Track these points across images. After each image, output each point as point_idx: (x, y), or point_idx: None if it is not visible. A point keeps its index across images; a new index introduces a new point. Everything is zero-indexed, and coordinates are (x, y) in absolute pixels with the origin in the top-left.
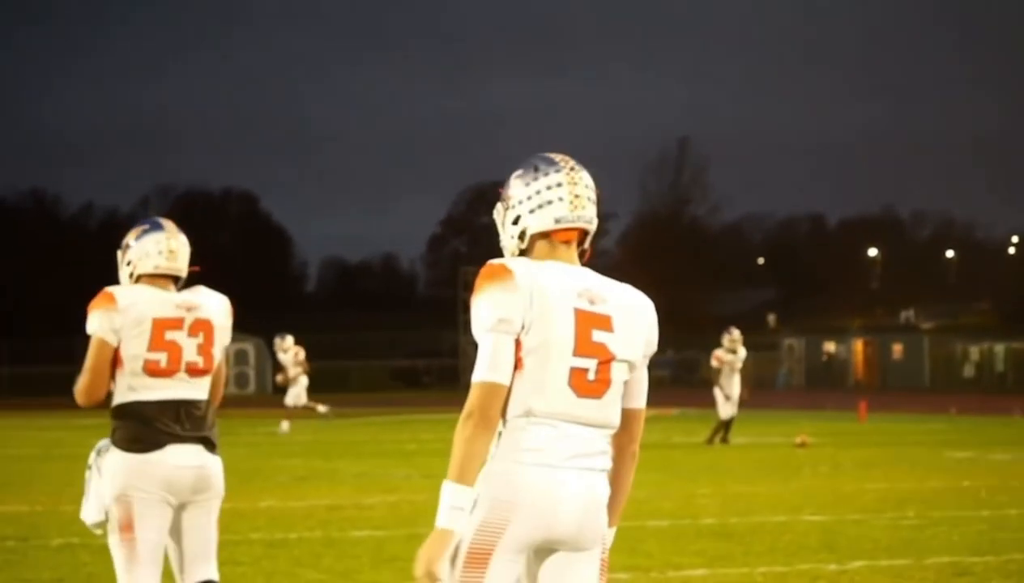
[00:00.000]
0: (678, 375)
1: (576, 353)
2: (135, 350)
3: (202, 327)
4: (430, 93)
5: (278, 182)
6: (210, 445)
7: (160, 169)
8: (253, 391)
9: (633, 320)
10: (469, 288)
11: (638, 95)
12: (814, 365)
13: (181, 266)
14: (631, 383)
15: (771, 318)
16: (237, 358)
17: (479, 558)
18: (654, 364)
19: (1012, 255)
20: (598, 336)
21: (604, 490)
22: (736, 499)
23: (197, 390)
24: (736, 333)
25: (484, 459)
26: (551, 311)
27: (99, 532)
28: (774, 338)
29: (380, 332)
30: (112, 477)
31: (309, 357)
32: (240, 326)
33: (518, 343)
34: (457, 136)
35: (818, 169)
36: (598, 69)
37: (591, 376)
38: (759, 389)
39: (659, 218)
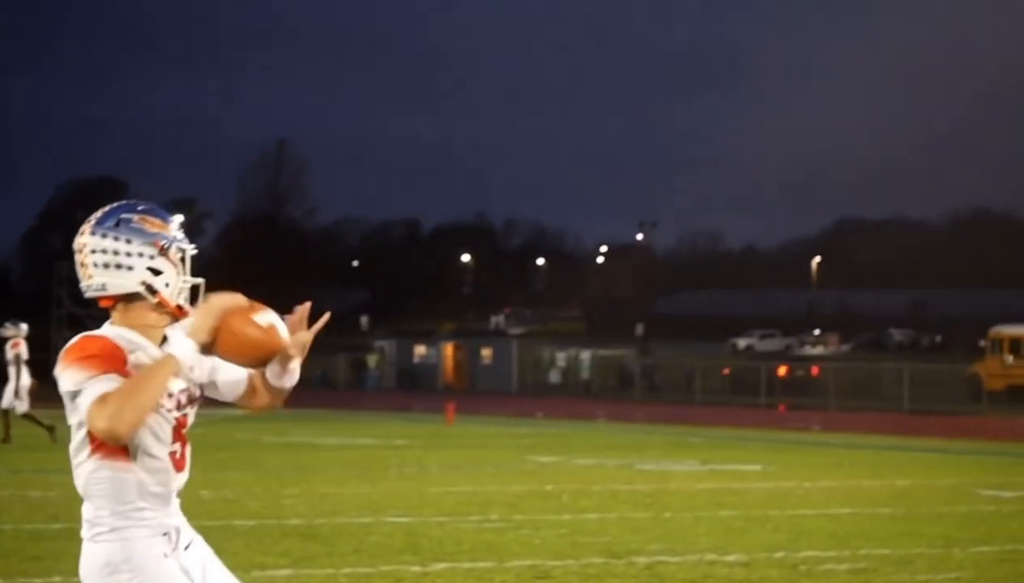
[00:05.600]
0: None
1: None
2: None
3: None
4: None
5: None
6: None
7: None
8: None
9: None
10: (63, 282)
11: (240, 97)
12: (405, 367)
13: None
14: None
15: (364, 320)
16: None
17: None
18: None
19: (600, 265)
20: None
21: (89, 557)
22: (323, 500)
23: None
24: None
25: None
26: None
27: None
28: (366, 340)
29: None
30: None
31: None
32: None
33: None
34: (56, 136)
35: (415, 175)
36: (194, 79)
37: None
38: (350, 391)
39: (256, 218)
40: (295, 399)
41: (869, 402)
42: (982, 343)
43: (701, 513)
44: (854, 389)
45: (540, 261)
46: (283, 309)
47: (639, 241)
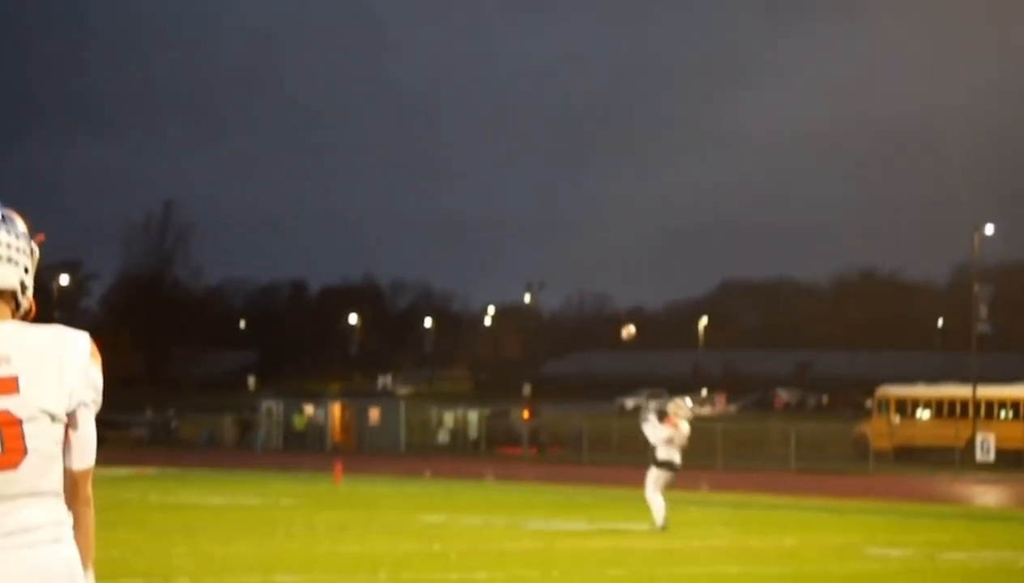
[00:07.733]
0: (156, 435)
1: None
2: None
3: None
4: None
5: None
6: None
7: None
8: None
9: (49, 372)
10: None
11: (126, 159)
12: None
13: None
14: (68, 442)
15: (251, 380)
16: None
17: None
18: (132, 424)
19: (487, 326)
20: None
21: (60, 559)
22: (210, 559)
23: None
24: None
25: None
26: None
27: None
28: (254, 400)
29: None
30: None
31: None
32: None
33: None
34: None
35: (301, 236)
36: (78, 141)
37: None
38: (238, 450)
39: (142, 279)
40: (182, 459)
41: (756, 462)
42: (868, 403)
43: (589, 572)
44: (741, 449)
45: (428, 322)
46: (167, 370)
47: (526, 303)
